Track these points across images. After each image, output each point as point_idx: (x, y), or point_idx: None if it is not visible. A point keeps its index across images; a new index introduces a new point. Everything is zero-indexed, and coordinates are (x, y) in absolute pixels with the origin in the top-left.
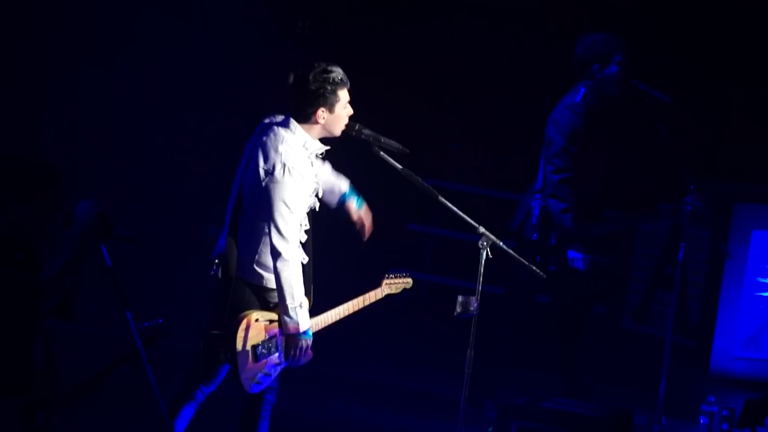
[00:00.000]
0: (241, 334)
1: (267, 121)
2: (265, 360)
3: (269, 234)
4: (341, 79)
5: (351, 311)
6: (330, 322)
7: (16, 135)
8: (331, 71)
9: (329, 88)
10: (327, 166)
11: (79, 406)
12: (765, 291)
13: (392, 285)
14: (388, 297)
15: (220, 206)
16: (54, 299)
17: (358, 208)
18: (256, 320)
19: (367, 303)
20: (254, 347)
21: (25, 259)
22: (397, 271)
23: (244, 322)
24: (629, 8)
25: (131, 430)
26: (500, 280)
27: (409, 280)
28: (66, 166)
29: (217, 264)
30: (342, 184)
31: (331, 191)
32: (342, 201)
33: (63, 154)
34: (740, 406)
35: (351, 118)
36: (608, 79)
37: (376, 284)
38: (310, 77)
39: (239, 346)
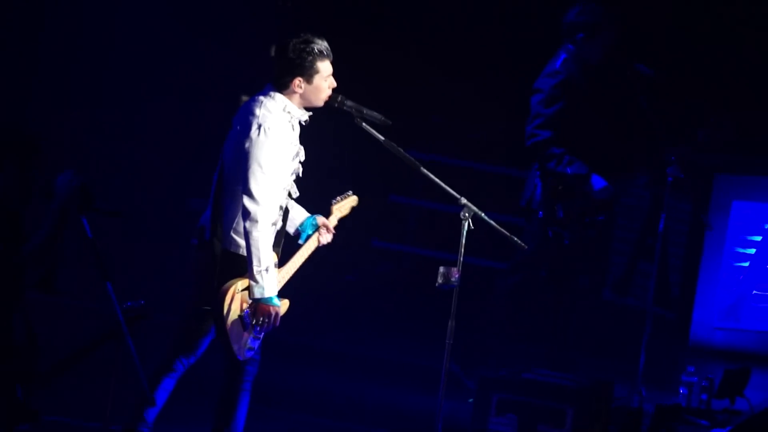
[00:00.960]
0: (227, 307)
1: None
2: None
3: (241, 194)
4: (321, 51)
5: (313, 249)
6: (296, 267)
7: (4, 106)
8: (311, 41)
9: (308, 58)
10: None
11: (57, 380)
12: (744, 261)
13: (341, 208)
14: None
15: (204, 180)
16: (36, 273)
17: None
18: (237, 290)
19: (325, 235)
20: (241, 316)
21: (9, 232)
22: (341, 194)
23: (229, 294)
24: None
25: (111, 402)
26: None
27: (355, 197)
28: (51, 138)
29: (198, 234)
30: (298, 217)
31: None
32: (302, 231)
33: (48, 125)
34: (719, 376)
35: (334, 90)
36: (590, 49)
37: (326, 213)
38: (290, 46)
39: (228, 319)
